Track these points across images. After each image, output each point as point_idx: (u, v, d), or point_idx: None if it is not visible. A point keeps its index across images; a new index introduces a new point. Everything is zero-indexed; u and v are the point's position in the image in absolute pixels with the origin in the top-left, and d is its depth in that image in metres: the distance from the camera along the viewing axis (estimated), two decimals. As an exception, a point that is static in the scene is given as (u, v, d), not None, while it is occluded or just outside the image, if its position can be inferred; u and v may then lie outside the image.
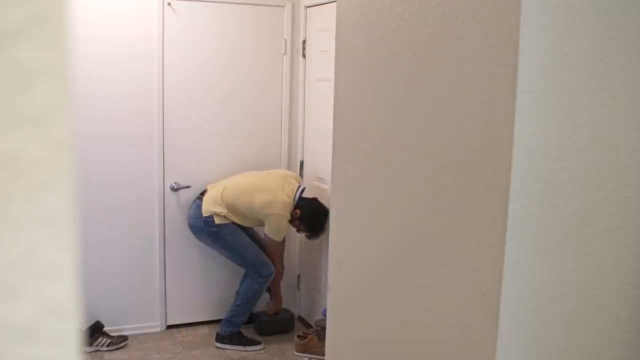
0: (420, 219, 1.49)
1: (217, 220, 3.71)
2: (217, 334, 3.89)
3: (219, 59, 4.06)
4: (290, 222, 3.75)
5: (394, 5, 1.53)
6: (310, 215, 3.74)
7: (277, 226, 3.71)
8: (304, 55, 4.16)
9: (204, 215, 3.73)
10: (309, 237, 3.89)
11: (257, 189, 3.71)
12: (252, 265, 3.84)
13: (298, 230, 3.87)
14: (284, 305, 4.23)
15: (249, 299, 3.87)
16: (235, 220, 3.73)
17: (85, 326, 3.73)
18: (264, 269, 3.83)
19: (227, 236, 3.76)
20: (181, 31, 3.95)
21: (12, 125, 0.33)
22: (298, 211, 3.72)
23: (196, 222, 3.81)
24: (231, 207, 3.70)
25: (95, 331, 3.80)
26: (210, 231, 3.75)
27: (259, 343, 3.88)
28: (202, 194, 3.87)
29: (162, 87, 3.93)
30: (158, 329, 4.11)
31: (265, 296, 4.12)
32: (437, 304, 1.44)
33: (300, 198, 3.75)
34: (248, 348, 3.84)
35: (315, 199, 3.80)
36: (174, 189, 4.03)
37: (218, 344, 3.86)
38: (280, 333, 4.06)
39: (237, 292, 3.92)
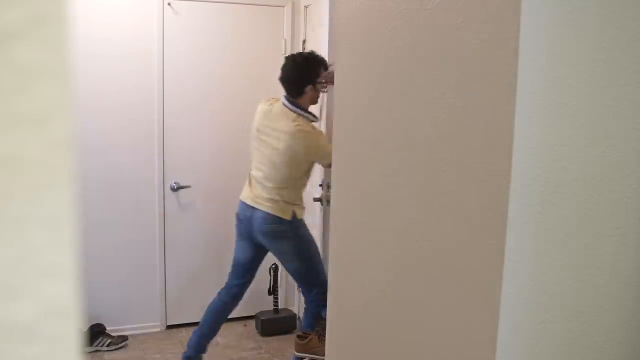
0: (420, 219, 1.48)
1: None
2: None
3: (219, 59, 4.06)
4: (317, 90, 3.34)
5: (394, 5, 1.53)
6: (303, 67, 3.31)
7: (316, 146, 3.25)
8: (304, 55, 4.16)
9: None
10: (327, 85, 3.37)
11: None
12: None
13: (325, 87, 3.39)
14: (284, 305, 4.24)
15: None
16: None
17: (86, 327, 3.73)
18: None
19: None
20: (181, 31, 3.95)
21: (12, 125, 0.33)
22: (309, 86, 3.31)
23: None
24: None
25: (97, 333, 3.80)
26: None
27: None
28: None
29: (162, 87, 3.93)
30: (158, 329, 4.11)
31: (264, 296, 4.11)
32: (437, 304, 1.44)
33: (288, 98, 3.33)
34: None
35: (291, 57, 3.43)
36: (174, 189, 4.04)
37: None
38: (280, 333, 4.06)
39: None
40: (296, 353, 3.61)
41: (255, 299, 4.27)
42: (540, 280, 1.25)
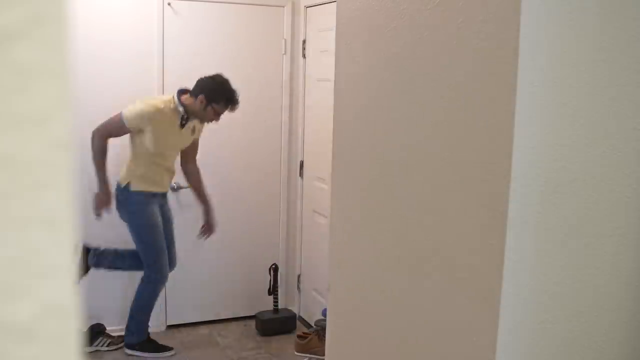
0: (420, 219, 1.49)
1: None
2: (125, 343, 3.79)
3: (219, 59, 4.06)
4: (204, 119, 3.56)
5: (394, 5, 1.53)
6: (212, 87, 3.48)
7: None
8: (304, 55, 4.16)
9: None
10: (231, 109, 3.57)
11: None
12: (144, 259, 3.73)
13: (214, 118, 3.57)
14: (284, 305, 4.22)
15: (140, 307, 3.76)
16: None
17: (86, 327, 3.73)
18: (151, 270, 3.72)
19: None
20: (181, 31, 3.95)
21: (12, 125, 0.33)
22: (201, 96, 3.48)
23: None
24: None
25: (97, 333, 3.80)
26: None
27: (169, 349, 3.80)
28: None
29: (162, 87, 3.93)
30: (158, 329, 4.11)
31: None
32: (437, 304, 1.44)
33: (184, 90, 3.56)
34: (159, 355, 3.76)
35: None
36: (174, 189, 4.03)
37: (128, 351, 3.75)
38: (280, 333, 4.06)
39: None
40: (296, 353, 3.61)
41: (255, 299, 4.27)
42: (540, 280, 1.25)
